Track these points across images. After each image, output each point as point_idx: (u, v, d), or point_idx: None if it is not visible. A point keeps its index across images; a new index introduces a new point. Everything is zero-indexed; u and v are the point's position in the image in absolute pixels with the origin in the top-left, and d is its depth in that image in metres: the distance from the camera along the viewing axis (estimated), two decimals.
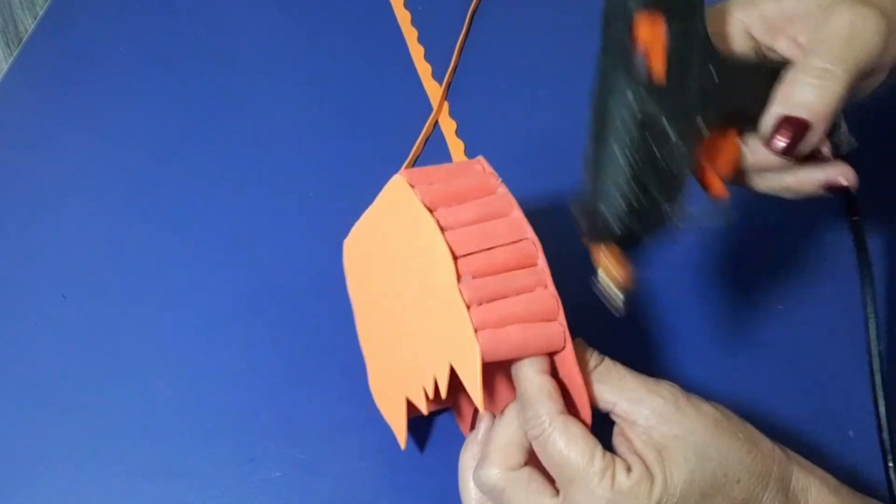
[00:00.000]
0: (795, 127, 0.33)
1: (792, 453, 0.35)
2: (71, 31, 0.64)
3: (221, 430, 0.44)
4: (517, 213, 0.36)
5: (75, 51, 0.63)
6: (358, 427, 0.44)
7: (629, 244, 0.33)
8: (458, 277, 0.33)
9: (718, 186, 0.36)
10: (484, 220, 0.35)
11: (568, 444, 0.32)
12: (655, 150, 0.32)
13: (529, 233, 0.35)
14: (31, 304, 0.49)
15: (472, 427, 0.38)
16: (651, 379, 0.34)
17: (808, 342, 0.47)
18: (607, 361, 0.35)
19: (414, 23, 0.64)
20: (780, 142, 0.33)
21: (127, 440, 0.43)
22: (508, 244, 0.35)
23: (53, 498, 0.42)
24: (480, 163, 0.39)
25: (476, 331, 0.32)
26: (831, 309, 0.48)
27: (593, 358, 0.35)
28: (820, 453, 0.43)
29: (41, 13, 0.66)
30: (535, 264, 0.35)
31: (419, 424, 0.44)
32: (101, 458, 0.43)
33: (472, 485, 0.36)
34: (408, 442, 0.43)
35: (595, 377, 0.34)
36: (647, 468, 0.32)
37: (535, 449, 0.33)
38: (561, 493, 0.33)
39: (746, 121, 0.35)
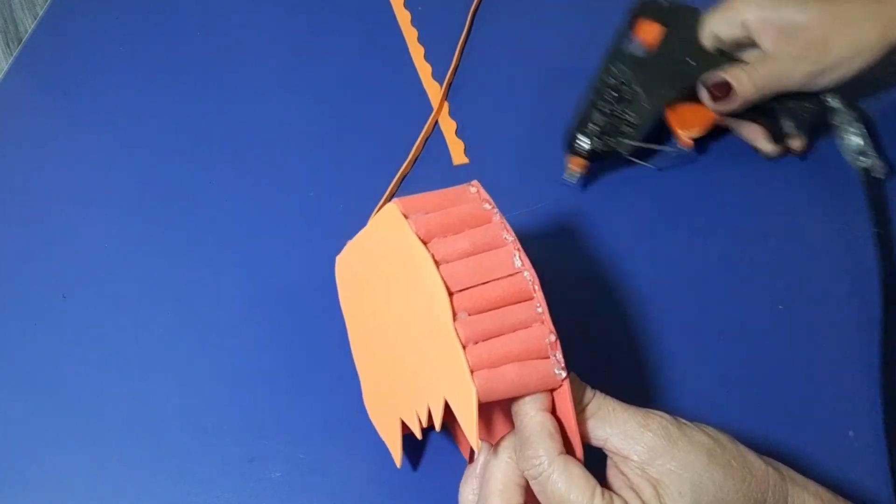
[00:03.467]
0: (725, 88, 0.49)
1: (786, 470, 0.35)
2: (71, 31, 0.64)
3: (221, 430, 0.44)
4: (513, 244, 0.35)
5: (75, 51, 0.63)
6: (358, 427, 0.44)
7: (587, 157, 0.50)
8: (454, 315, 0.33)
9: (684, 140, 0.51)
10: (480, 252, 0.35)
11: (568, 486, 0.32)
12: (618, 99, 0.50)
13: (526, 265, 0.34)
14: (31, 304, 0.49)
15: (471, 459, 0.37)
16: (641, 411, 0.34)
17: (808, 342, 0.47)
18: (598, 396, 0.34)
19: (414, 23, 0.64)
20: (714, 94, 0.49)
21: (127, 440, 0.43)
22: (505, 277, 0.34)
23: (53, 498, 0.42)
24: (475, 186, 0.38)
25: (472, 371, 0.32)
26: (830, 309, 0.48)
27: (586, 393, 0.34)
28: (820, 454, 0.43)
29: (41, 13, 0.66)
30: (531, 298, 0.34)
31: None
32: (101, 457, 0.43)
33: None
34: (406, 440, 0.43)
35: (587, 413, 0.34)
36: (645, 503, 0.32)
37: (534, 488, 0.33)
38: None
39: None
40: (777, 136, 0.53)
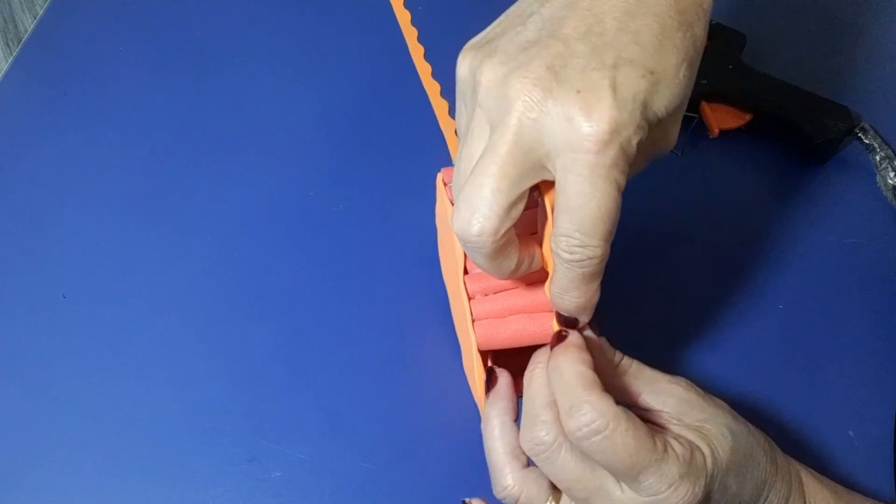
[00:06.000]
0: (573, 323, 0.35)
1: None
2: (71, 31, 0.64)
3: (221, 430, 0.44)
4: (542, 207, 0.36)
5: (75, 51, 0.63)
6: (358, 427, 0.44)
7: None
8: (466, 271, 0.36)
9: (714, 131, 0.55)
10: None
11: (636, 436, 0.30)
12: None
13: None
14: (31, 304, 0.49)
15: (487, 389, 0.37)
16: (665, 373, 0.35)
17: (808, 342, 0.47)
18: (627, 359, 0.35)
19: (414, 23, 0.64)
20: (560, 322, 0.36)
21: (127, 440, 0.43)
22: (528, 235, 0.36)
23: (52, 498, 0.42)
24: None
25: (473, 321, 0.35)
26: (832, 309, 0.48)
27: (616, 354, 0.35)
28: (820, 453, 0.43)
29: (41, 13, 0.66)
30: None
31: (420, 425, 0.44)
32: (100, 458, 0.43)
33: (499, 442, 0.34)
34: (407, 440, 0.43)
35: (620, 370, 0.35)
36: (694, 443, 0.32)
37: (590, 450, 0.30)
38: (626, 486, 0.31)
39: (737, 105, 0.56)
40: (806, 148, 0.54)
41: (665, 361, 0.46)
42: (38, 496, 0.42)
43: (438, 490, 0.41)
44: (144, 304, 0.49)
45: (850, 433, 0.44)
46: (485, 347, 0.35)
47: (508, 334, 0.35)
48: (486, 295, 0.36)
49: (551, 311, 0.34)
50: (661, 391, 0.34)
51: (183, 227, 0.52)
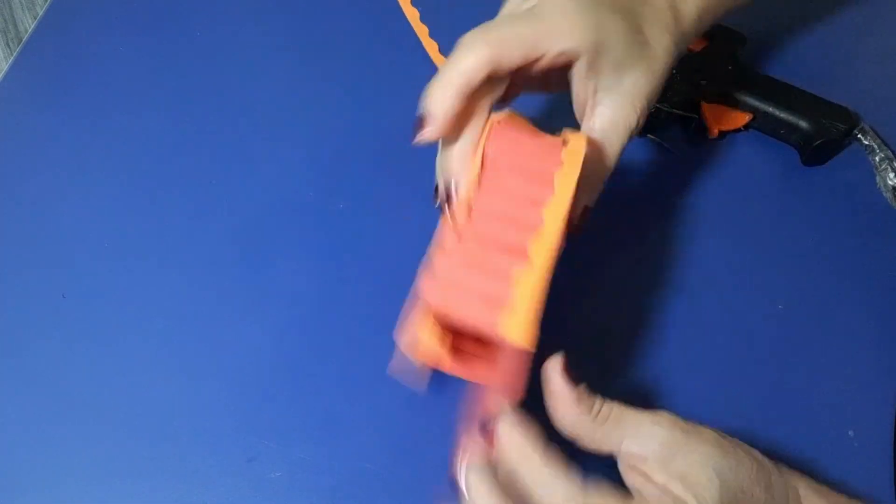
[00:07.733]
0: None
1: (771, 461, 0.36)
2: (71, 31, 0.64)
3: (221, 430, 0.44)
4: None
5: (75, 51, 0.63)
6: (358, 427, 0.44)
7: None
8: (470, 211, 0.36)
9: (713, 131, 0.56)
10: (521, 208, 0.36)
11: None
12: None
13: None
14: (31, 304, 0.49)
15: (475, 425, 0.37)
16: (647, 411, 0.34)
17: (808, 342, 0.47)
18: (607, 403, 0.35)
19: (423, 20, 0.64)
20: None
21: (127, 440, 0.43)
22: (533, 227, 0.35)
23: (53, 498, 0.42)
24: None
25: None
26: (832, 309, 0.48)
27: (595, 402, 0.34)
28: (820, 453, 0.43)
29: (41, 13, 0.66)
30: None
31: (420, 425, 0.44)
32: (100, 458, 0.43)
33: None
34: (407, 440, 0.43)
35: (598, 421, 0.34)
36: (680, 499, 0.32)
37: None
38: None
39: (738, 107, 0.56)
40: (806, 148, 0.54)
41: (662, 360, 0.46)
42: (39, 496, 0.42)
43: (438, 490, 0.41)
44: (144, 304, 0.49)
45: (850, 433, 0.44)
46: (431, 301, 0.34)
47: (457, 310, 0.33)
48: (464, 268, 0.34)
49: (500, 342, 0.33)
50: (643, 435, 0.33)
51: (183, 227, 0.52)
